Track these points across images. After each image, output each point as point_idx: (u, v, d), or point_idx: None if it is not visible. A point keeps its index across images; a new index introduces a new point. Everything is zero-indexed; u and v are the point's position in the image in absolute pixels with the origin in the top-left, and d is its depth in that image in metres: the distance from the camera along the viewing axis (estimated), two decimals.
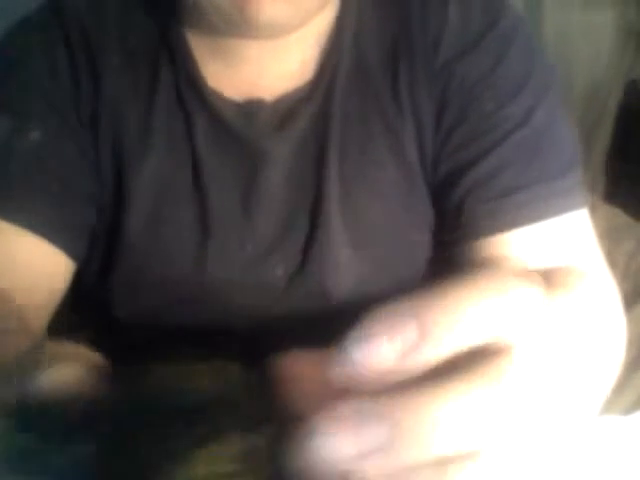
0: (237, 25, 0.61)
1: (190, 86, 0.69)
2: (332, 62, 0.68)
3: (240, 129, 0.68)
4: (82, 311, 0.75)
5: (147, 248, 0.70)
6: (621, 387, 0.86)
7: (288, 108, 0.68)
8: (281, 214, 0.69)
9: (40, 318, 0.64)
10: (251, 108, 0.69)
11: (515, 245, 0.65)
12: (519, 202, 0.65)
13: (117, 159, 0.69)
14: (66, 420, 0.26)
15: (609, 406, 0.87)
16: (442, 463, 0.22)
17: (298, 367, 0.26)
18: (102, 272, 0.71)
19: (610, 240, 0.69)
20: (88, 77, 0.69)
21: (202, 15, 0.63)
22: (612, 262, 0.71)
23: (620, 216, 1.21)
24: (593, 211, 0.68)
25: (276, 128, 0.68)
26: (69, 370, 0.29)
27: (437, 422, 0.22)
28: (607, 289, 0.64)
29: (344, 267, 0.69)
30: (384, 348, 0.23)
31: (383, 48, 0.68)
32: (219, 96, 0.69)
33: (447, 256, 0.69)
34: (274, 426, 0.25)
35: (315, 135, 0.68)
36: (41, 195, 0.65)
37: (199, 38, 0.69)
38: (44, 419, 0.26)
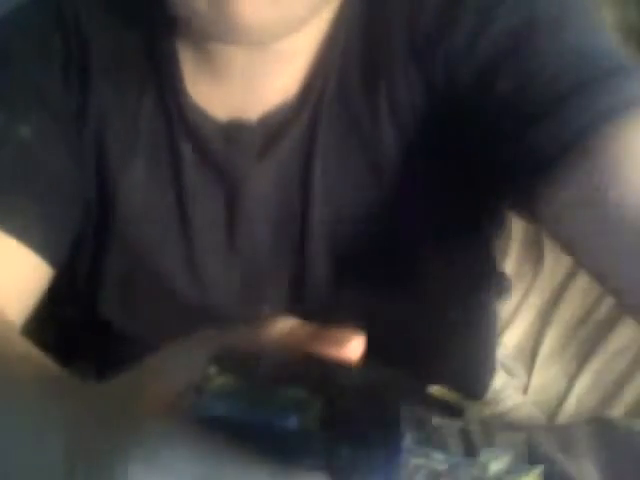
0: (216, 28, 0.57)
1: (174, 103, 0.66)
2: (320, 81, 0.65)
3: (222, 154, 0.66)
4: (72, 310, 0.75)
5: (132, 264, 0.68)
6: (621, 387, 0.86)
7: (272, 131, 0.66)
8: (265, 244, 0.67)
9: (16, 316, 0.63)
10: (234, 130, 0.66)
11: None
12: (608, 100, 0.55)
13: (101, 164, 0.67)
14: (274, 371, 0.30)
15: (609, 406, 0.87)
16: None
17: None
18: (91, 274, 0.70)
19: None
20: (78, 79, 0.67)
21: (184, 20, 0.60)
22: None
23: None
24: None
25: (259, 154, 0.66)
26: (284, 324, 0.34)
27: None
28: None
29: (331, 303, 0.67)
30: None
31: (364, 67, 0.65)
32: (202, 114, 0.66)
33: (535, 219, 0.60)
34: None
35: (299, 160, 0.66)
36: (25, 195, 0.63)
37: (186, 48, 0.66)
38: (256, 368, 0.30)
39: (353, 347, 0.32)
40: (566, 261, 0.90)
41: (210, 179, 0.67)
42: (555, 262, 0.92)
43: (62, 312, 0.74)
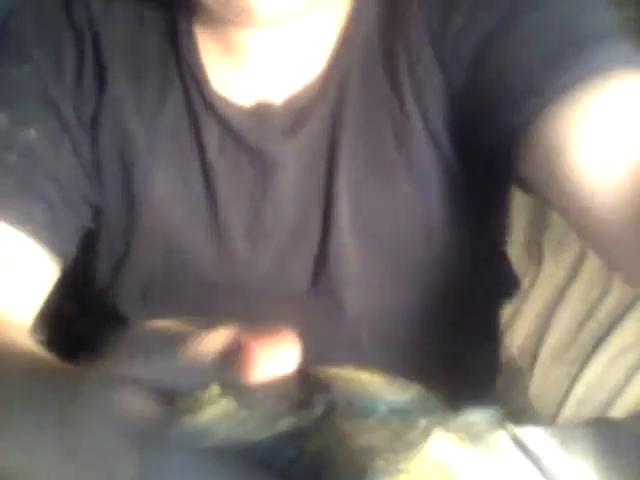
0: (232, 12, 0.58)
1: (198, 92, 0.67)
2: (345, 59, 0.66)
3: (249, 136, 0.67)
4: (90, 307, 0.75)
5: (157, 257, 0.69)
6: (621, 387, 0.86)
7: (299, 110, 0.66)
8: (292, 224, 0.67)
9: (24, 314, 0.63)
10: (260, 112, 0.67)
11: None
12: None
13: (122, 163, 0.68)
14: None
15: (609, 406, 0.87)
16: None
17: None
18: (114, 272, 0.70)
19: None
20: (93, 76, 0.67)
21: (202, 7, 0.61)
22: None
23: None
24: None
25: (286, 133, 0.66)
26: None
27: None
28: None
29: (356, 278, 0.67)
30: None
31: (386, 46, 0.66)
32: (227, 101, 0.67)
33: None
34: None
35: (326, 139, 0.66)
36: (29, 194, 0.64)
37: (207, 35, 0.66)
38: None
39: (285, 355, 0.32)
40: (566, 262, 0.91)
41: (239, 161, 0.67)
42: (555, 263, 0.92)
43: (71, 307, 0.75)
